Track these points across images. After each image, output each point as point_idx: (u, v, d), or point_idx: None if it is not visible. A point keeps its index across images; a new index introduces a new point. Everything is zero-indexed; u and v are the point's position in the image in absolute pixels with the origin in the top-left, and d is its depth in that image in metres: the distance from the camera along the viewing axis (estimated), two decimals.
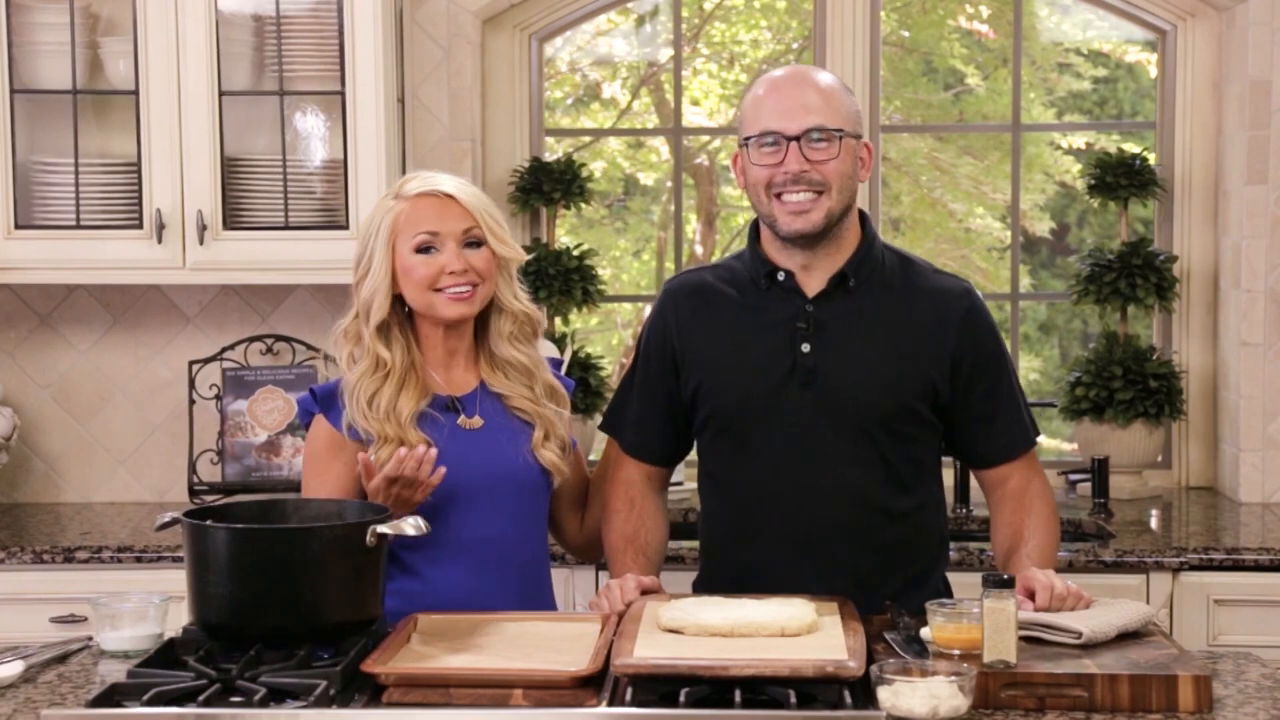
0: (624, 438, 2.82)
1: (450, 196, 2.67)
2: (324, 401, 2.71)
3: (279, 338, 4.13)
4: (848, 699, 2.11)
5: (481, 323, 2.76)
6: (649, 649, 2.22)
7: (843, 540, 2.67)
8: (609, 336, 6.27)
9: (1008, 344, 2.90)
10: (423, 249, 2.65)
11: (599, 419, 3.90)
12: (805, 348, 2.66)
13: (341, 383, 2.70)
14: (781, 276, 2.69)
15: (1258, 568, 3.51)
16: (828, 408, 2.65)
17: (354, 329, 2.70)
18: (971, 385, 2.70)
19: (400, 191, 2.70)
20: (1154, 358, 4.16)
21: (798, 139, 2.61)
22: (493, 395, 2.74)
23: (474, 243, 2.67)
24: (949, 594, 2.76)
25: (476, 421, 2.71)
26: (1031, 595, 2.49)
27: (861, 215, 2.75)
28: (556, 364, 2.88)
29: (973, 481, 3.82)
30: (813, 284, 2.69)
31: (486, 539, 2.67)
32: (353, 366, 2.68)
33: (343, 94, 3.82)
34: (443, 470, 2.59)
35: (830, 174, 2.62)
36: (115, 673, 2.38)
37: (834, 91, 2.66)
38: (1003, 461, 2.75)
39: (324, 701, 2.12)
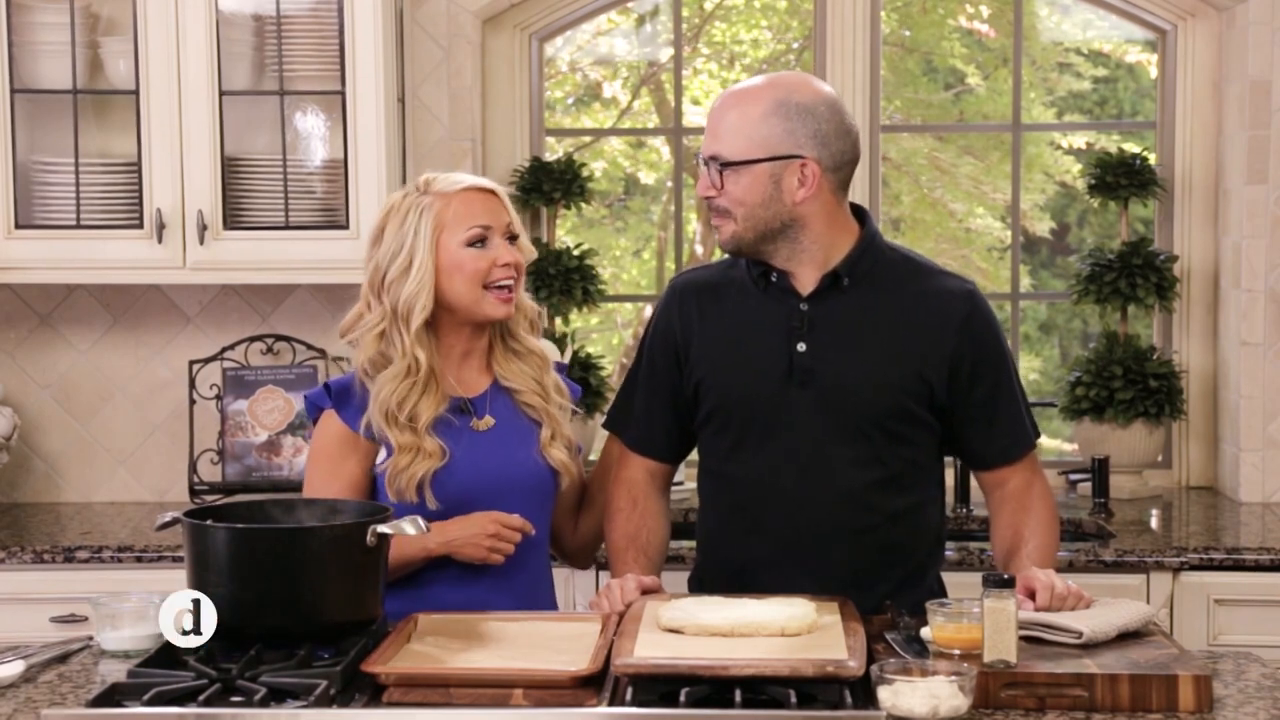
0: (629, 434, 2.82)
1: (494, 192, 2.69)
2: (339, 397, 2.67)
3: (279, 337, 4.13)
4: (848, 699, 2.11)
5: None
6: (649, 649, 2.22)
7: (837, 539, 2.66)
8: (609, 336, 6.27)
9: (1009, 344, 2.89)
10: (475, 242, 2.64)
11: (600, 419, 3.90)
12: (801, 347, 2.65)
13: (356, 379, 2.68)
14: (775, 277, 2.69)
15: (1258, 568, 3.51)
16: (824, 407, 2.65)
17: (384, 330, 2.64)
18: (971, 388, 2.69)
19: (434, 189, 2.66)
20: (1154, 357, 4.16)
21: (707, 163, 2.64)
22: (504, 393, 2.73)
23: (512, 237, 2.69)
24: (943, 593, 2.76)
25: (488, 421, 2.70)
26: (1032, 595, 2.49)
27: (862, 213, 2.73)
28: (561, 368, 2.87)
29: (973, 481, 3.82)
30: (805, 283, 2.68)
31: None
32: (375, 369, 2.64)
33: (343, 94, 3.82)
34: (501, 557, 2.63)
35: (729, 202, 2.62)
36: (115, 672, 2.38)
37: (749, 116, 2.60)
38: (1002, 464, 2.74)
39: (324, 701, 2.12)
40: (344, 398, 2.68)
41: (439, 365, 2.67)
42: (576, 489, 2.85)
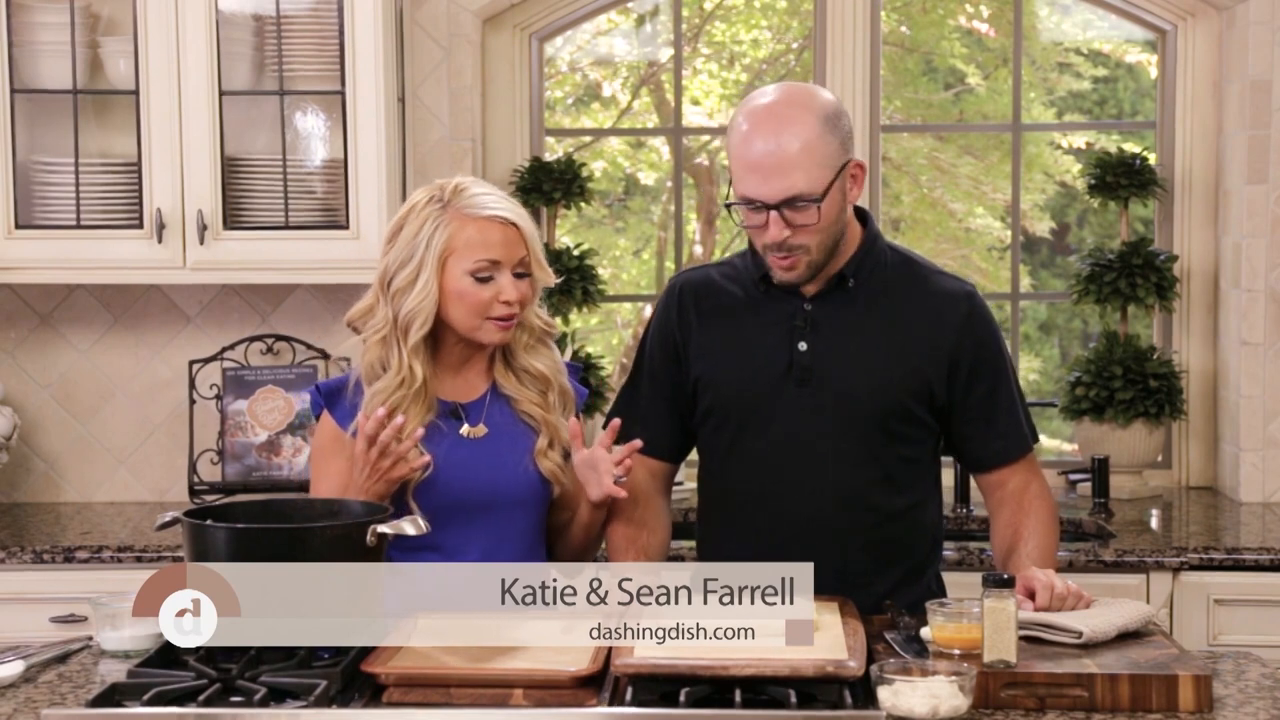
0: (635, 436, 2.80)
1: (515, 225, 2.62)
2: (329, 397, 2.68)
3: (279, 337, 4.13)
4: (848, 698, 2.11)
5: None
6: (649, 649, 2.22)
7: (834, 538, 2.66)
8: (609, 336, 6.27)
9: (1008, 345, 2.90)
10: (481, 274, 2.59)
11: (599, 419, 3.90)
12: (802, 346, 2.66)
13: (350, 379, 2.67)
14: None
15: (1258, 568, 3.51)
16: (823, 405, 2.65)
17: (387, 337, 2.62)
18: (969, 389, 2.69)
19: (456, 204, 2.61)
20: (1154, 357, 4.16)
21: (778, 207, 2.55)
22: (502, 399, 2.71)
23: (522, 273, 2.64)
24: (942, 592, 2.76)
25: (480, 430, 2.68)
26: (1031, 595, 2.49)
27: (863, 214, 2.73)
28: (574, 370, 2.83)
29: (973, 481, 3.82)
30: (811, 284, 2.68)
31: (483, 552, 2.64)
32: (374, 375, 2.63)
33: (343, 94, 3.82)
34: (427, 458, 2.56)
35: (810, 237, 2.57)
36: (115, 672, 2.38)
37: (814, 142, 2.53)
38: (999, 466, 2.74)
39: (324, 701, 2.12)
40: (334, 398, 2.68)
41: (433, 375, 2.65)
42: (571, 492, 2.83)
